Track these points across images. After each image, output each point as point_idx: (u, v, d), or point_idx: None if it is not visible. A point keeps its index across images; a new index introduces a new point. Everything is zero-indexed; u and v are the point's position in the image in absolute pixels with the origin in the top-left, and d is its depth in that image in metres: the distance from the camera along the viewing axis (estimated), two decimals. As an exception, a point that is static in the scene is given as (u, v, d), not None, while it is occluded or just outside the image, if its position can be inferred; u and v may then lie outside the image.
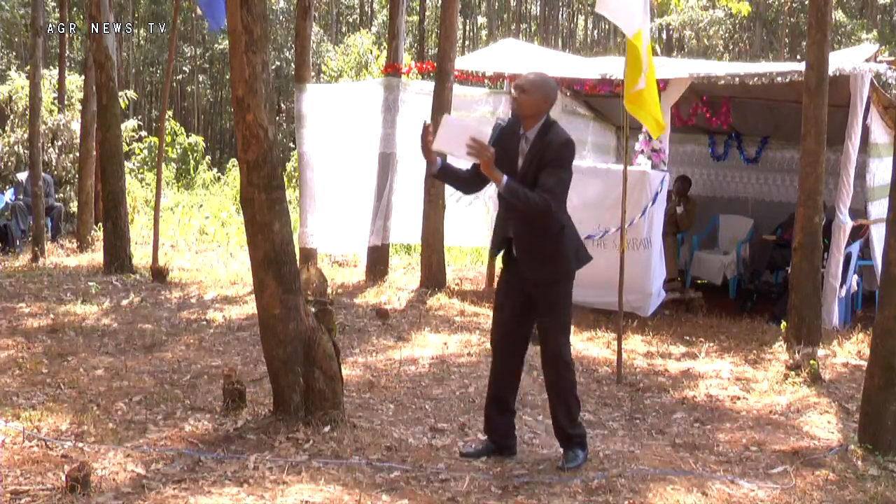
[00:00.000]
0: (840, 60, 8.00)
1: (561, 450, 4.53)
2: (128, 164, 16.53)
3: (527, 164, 4.33)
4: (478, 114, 10.67)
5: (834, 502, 4.16)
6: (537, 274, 4.37)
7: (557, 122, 4.45)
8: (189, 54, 35.98)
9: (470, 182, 4.55)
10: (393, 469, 4.32)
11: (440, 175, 4.49)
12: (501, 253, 4.59)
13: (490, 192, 10.95)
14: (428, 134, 4.27)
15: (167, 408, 5.25)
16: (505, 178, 4.18)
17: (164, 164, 12.83)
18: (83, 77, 14.57)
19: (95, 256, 11.60)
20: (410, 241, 11.88)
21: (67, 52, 20.52)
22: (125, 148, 15.13)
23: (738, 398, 6.04)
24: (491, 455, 4.57)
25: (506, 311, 4.56)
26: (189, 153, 25.25)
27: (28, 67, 15.44)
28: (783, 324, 7.56)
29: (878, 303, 4.96)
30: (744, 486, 4.30)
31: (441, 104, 9.45)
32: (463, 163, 4.39)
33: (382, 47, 24.20)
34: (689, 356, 7.28)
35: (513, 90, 4.43)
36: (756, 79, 8.33)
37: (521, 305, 4.49)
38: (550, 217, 4.28)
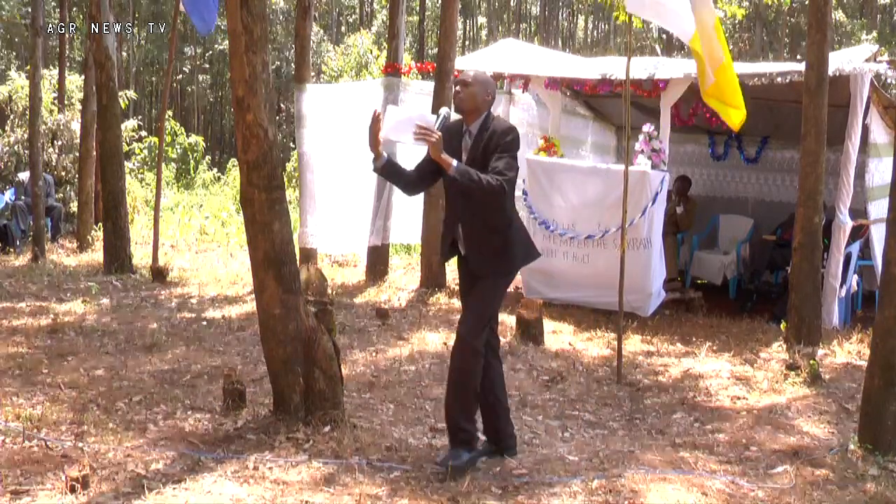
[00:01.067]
0: (840, 60, 8.00)
1: (560, 450, 4.53)
2: (128, 164, 16.53)
3: (470, 158, 4.31)
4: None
5: (834, 502, 4.16)
6: (484, 268, 4.37)
7: (499, 116, 4.46)
8: (189, 54, 35.97)
9: (415, 180, 4.49)
10: (393, 469, 4.32)
11: (384, 171, 4.39)
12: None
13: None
14: (377, 123, 4.24)
15: (167, 408, 5.25)
16: (454, 161, 4.17)
17: (164, 164, 12.83)
18: (83, 77, 14.57)
19: (95, 256, 11.61)
20: (410, 241, 11.88)
21: (67, 52, 20.51)
22: (125, 148, 15.14)
23: (738, 398, 6.04)
24: (490, 456, 4.54)
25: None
26: (189, 153, 25.25)
27: (28, 67, 15.43)
28: (783, 324, 7.56)
29: (878, 303, 4.96)
30: (744, 486, 4.30)
31: (441, 104, 9.44)
32: (409, 163, 4.42)
33: (382, 47, 24.20)
34: (689, 356, 7.28)
35: (455, 86, 4.43)
36: (756, 79, 8.33)
37: None
38: (501, 205, 4.27)
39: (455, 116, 4.48)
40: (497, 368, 4.57)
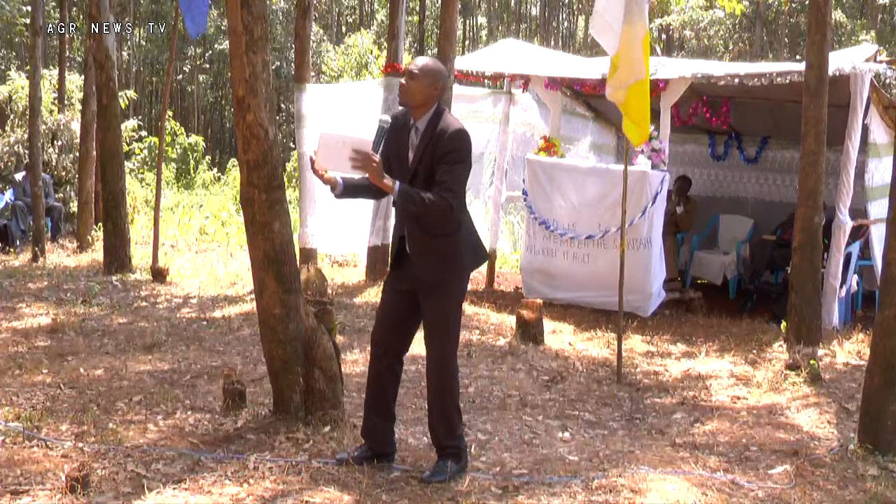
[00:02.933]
0: (840, 60, 8.00)
1: (560, 450, 4.52)
2: (128, 164, 16.55)
3: (418, 157, 4.05)
4: (475, 108, 10.68)
5: (834, 502, 4.16)
6: (429, 273, 4.11)
7: (448, 111, 4.19)
8: (189, 54, 35.98)
9: (376, 189, 4.15)
10: (393, 469, 4.32)
11: (345, 194, 4.14)
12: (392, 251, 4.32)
13: (490, 191, 11.01)
14: (316, 171, 4.00)
15: (167, 408, 5.24)
16: (397, 184, 3.91)
17: (164, 164, 12.84)
18: (83, 77, 14.57)
19: (95, 256, 11.61)
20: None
21: (67, 52, 20.51)
22: (125, 148, 15.15)
23: (738, 398, 6.04)
24: (368, 462, 4.29)
25: (391, 311, 4.27)
26: (189, 153, 25.27)
27: (28, 67, 15.44)
28: (783, 324, 7.56)
29: (878, 303, 4.96)
30: (744, 486, 4.30)
31: (441, 104, 9.43)
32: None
33: (382, 47, 24.20)
34: (689, 356, 7.28)
35: (403, 78, 4.10)
36: (756, 79, 8.33)
37: (407, 305, 4.21)
38: (450, 217, 4.02)
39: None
40: (398, 376, 4.39)
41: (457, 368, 4.26)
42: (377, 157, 3.89)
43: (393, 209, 4.51)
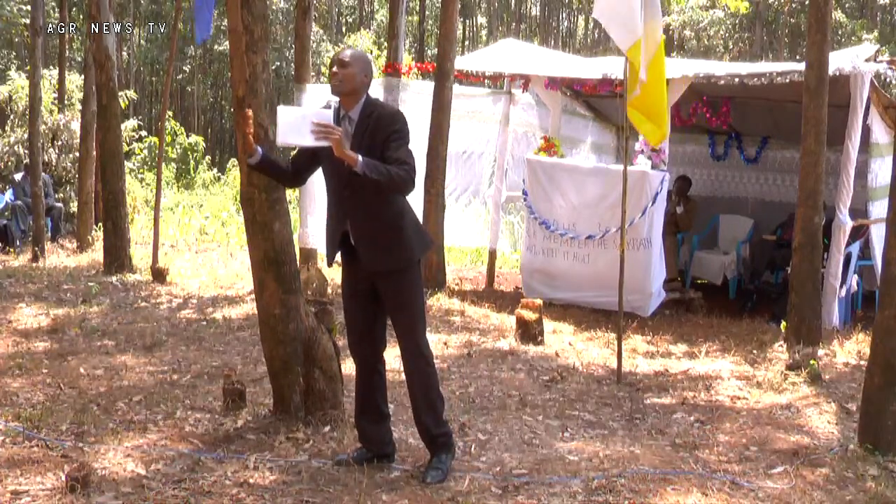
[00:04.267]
0: (840, 60, 8.00)
1: (560, 450, 4.51)
2: (128, 164, 16.54)
3: (356, 143, 4.00)
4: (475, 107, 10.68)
5: (834, 502, 4.16)
6: (380, 264, 4.11)
7: (379, 100, 4.21)
8: (189, 54, 35.98)
9: (292, 174, 4.25)
10: (393, 469, 4.32)
11: (260, 167, 4.19)
12: (339, 253, 4.25)
13: (490, 191, 11.01)
14: (247, 121, 4.06)
15: (167, 408, 5.25)
16: (359, 156, 3.86)
17: (164, 164, 12.84)
18: (83, 77, 14.57)
19: (95, 256, 11.61)
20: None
21: (67, 52, 20.52)
22: (125, 148, 15.15)
23: (738, 398, 6.04)
24: (367, 462, 4.30)
25: (356, 312, 4.25)
26: (189, 153, 25.26)
27: (28, 67, 15.44)
28: (783, 324, 7.56)
29: (878, 303, 4.96)
30: (744, 486, 4.30)
31: (441, 104, 9.45)
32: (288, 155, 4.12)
33: (382, 47, 24.20)
34: (689, 356, 7.28)
35: (332, 67, 4.10)
36: (756, 79, 8.34)
37: (369, 302, 4.20)
38: (410, 188, 3.99)
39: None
40: (384, 375, 4.39)
41: (431, 354, 4.26)
42: (339, 129, 3.89)
43: (325, 208, 4.46)
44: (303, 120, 3.89)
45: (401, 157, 3.96)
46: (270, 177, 4.43)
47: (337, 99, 4.13)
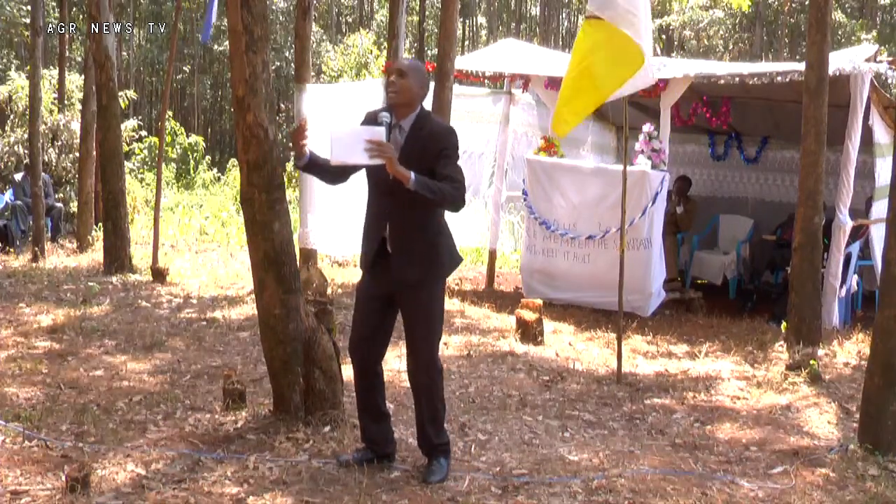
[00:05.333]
0: (840, 60, 8.00)
1: (560, 450, 4.52)
2: (128, 164, 16.56)
3: (404, 154, 4.00)
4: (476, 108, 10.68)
5: (834, 502, 4.16)
6: (410, 274, 4.10)
7: (432, 114, 4.23)
8: (189, 53, 35.98)
9: (338, 172, 4.22)
10: (393, 469, 4.32)
11: (307, 168, 4.20)
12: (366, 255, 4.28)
13: (490, 191, 11.00)
14: (303, 133, 4.07)
15: (167, 408, 5.24)
16: (412, 173, 3.88)
17: (164, 164, 12.84)
18: (83, 77, 14.57)
19: (95, 256, 11.60)
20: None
21: (67, 52, 20.52)
22: (125, 148, 15.16)
23: (738, 398, 6.04)
24: (370, 462, 4.31)
25: (366, 315, 4.26)
26: (189, 153, 25.25)
27: (28, 67, 15.44)
28: (783, 324, 7.56)
29: (878, 303, 4.96)
30: (744, 486, 4.30)
31: (441, 104, 9.43)
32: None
33: (382, 47, 24.21)
34: (689, 356, 7.28)
35: (390, 76, 4.11)
36: (756, 79, 8.33)
37: (383, 307, 4.23)
38: (461, 204, 4.04)
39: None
40: (382, 377, 4.38)
41: (441, 366, 4.29)
42: (391, 147, 3.92)
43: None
44: (356, 138, 3.91)
45: (452, 174, 3.98)
46: (316, 176, 4.42)
47: (388, 112, 4.11)
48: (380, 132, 3.93)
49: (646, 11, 5.97)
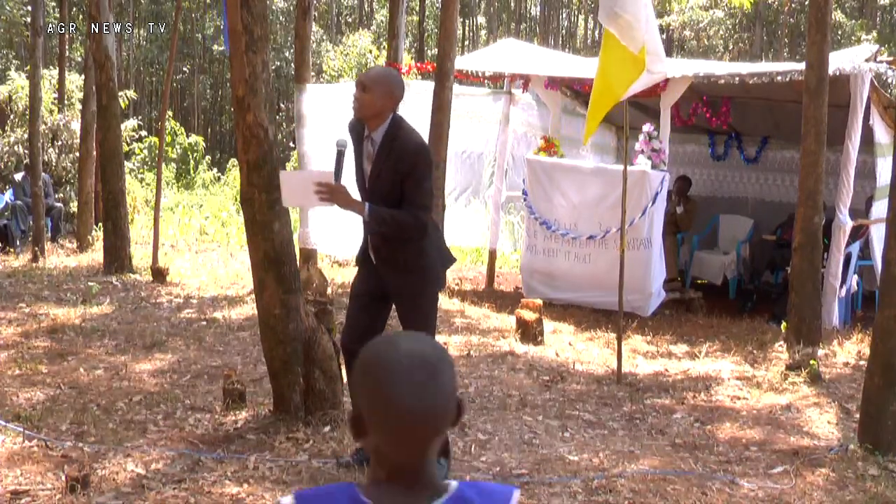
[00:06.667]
0: (840, 60, 8.00)
1: (560, 450, 4.52)
2: (128, 164, 16.56)
3: (377, 168, 4.00)
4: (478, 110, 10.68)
5: (834, 502, 4.16)
6: (397, 282, 4.12)
7: (405, 121, 4.07)
8: (189, 53, 35.99)
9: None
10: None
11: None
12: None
13: (490, 191, 11.01)
14: (344, 196, 3.99)
15: (167, 408, 5.24)
16: (367, 207, 3.93)
17: (164, 164, 12.84)
18: (83, 77, 14.58)
19: (95, 256, 11.60)
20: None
21: (67, 52, 20.52)
22: (125, 148, 15.15)
23: (738, 398, 6.04)
24: (368, 463, 4.33)
25: (360, 310, 4.26)
26: (189, 153, 25.25)
27: (28, 67, 15.44)
28: (783, 324, 7.56)
29: (878, 303, 4.96)
30: (744, 486, 4.30)
31: (441, 104, 9.42)
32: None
33: (382, 47, 24.21)
34: (689, 356, 7.28)
35: (355, 88, 4.04)
36: (756, 79, 8.34)
37: (376, 302, 4.23)
38: (422, 233, 4.00)
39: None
40: None
41: None
42: (342, 186, 3.93)
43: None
44: (305, 182, 3.98)
45: (416, 200, 3.95)
46: None
47: (345, 141, 4.09)
48: (328, 175, 3.93)
49: (647, 16, 5.97)
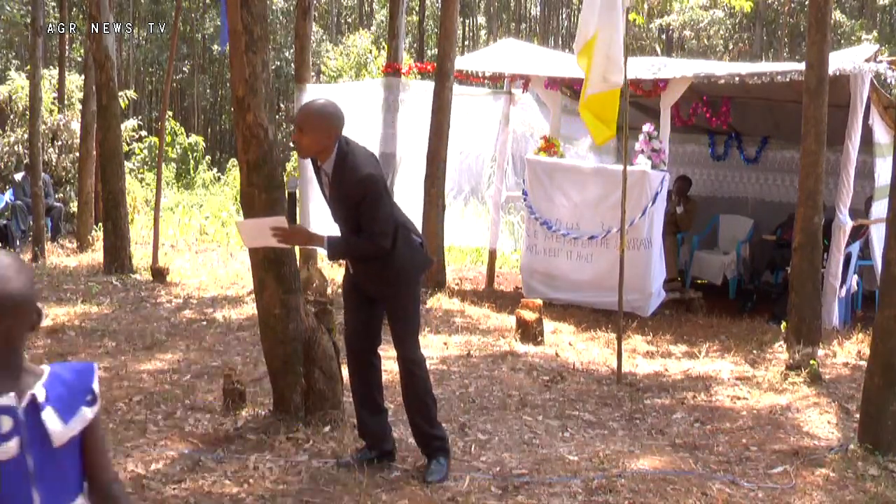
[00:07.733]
0: (840, 60, 8.00)
1: (560, 450, 4.52)
2: (128, 164, 16.55)
3: (334, 197, 4.20)
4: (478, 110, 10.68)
5: (834, 502, 4.16)
6: (375, 289, 4.26)
7: (352, 149, 4.12)
8: (189, 53, 35.99)
9: None
10: (393, 469, 4.32)
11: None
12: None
13: (490, 191, 11.01)
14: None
15: (167, 408, 5.24)
16: (326, 239, 4.12)
17: (164, 164, 12.84)
18: (83, 77, 14.57)
19: (95, 256, 11.61)
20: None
21: (67, 52, 20.52)
22: (125, 148, 15.15)
23: (738, 398, 6.04)
24: (370, 463, 4.30)
25: (354, 307, 4.36)
26: (189, 153, 25.25)
27: (28, 67, 15.44)
28: (783, 324, 7.56)
29: (878, 303, 4.96)
30: (744, 486, 4.30)
31: (441, 104, 9.44)
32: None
33: (382, 47, 24.22)
34: (689, 356, 7.28)
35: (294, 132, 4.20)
36: (756, 79, 8.33)
37: (369, 304, 4.32)
38: (382, 253, 4.12)
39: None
40: (378, 369, 4.43)
41: (423, 359, 4.33)
42: (296, 227, 4.21)
43: (324, 207, 4.67)
44: (261, 227, 4.22)
45: (371, 226, 4.06)
46: None
47: (296, 183, 4.37)
48: (281, 220, 4.14)
49: (618, 25, 6.13)
